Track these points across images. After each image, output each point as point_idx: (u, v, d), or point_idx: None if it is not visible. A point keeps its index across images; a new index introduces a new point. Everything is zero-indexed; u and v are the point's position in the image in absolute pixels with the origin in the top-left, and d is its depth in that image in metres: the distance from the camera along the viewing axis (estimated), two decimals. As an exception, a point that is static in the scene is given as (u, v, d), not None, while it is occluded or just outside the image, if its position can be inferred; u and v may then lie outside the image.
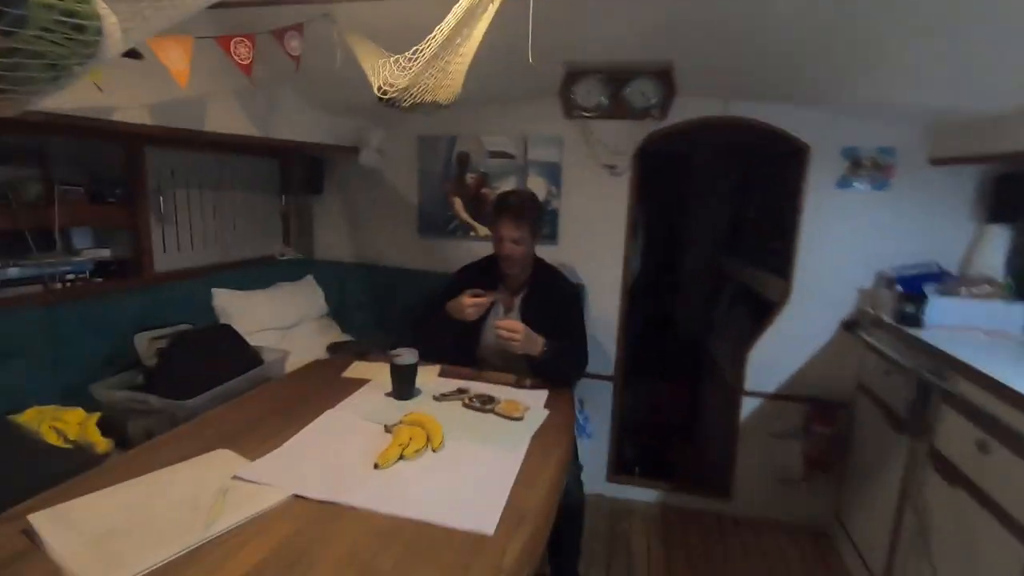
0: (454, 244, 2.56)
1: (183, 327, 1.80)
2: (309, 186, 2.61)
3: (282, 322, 2.28)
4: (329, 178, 2.68)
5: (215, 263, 2.25)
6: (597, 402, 2.43)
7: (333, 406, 1.52)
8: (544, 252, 2.16)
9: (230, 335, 1.82)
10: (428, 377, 1.77)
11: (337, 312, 2.62)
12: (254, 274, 2.36)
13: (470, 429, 1.44)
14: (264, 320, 2.21)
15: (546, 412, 1.60)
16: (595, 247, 2.36)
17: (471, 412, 1.56)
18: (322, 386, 1.68)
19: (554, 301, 1.91)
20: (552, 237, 2.39)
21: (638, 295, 2.40)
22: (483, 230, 2.48)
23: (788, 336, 2.22)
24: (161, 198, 1.96)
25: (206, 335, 1.76)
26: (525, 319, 1.82)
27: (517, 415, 1.53)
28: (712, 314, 3.45)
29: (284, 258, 2.63)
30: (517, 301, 1.95)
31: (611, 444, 2.47)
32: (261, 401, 1.56)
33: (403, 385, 1.63)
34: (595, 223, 2.35)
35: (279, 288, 2.41)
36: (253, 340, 2.12)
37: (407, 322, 2.49)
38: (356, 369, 1.81)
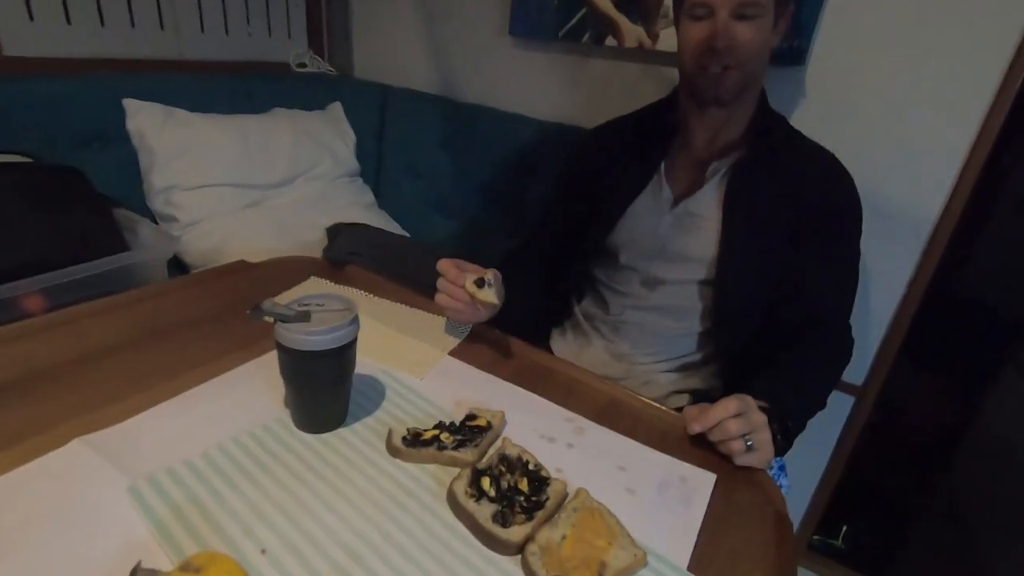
0: (571, 64, 1.30)
1: (2, 158, 0.92)
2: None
3: (261, 176, 1.33)
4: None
5: (148, 58, 1.31)
6: (810, 424, 1.20)
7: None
8: (770, 78, 0.91)
9: (67, 189, 0.91)
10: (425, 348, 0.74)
11: (376, 170, 1.61)
12: (234, 88, 1.39)
13: None
14: (226, 168, 1.27)
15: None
16: (908, 93, 0.96)
17: (449, 539, 0.50)
18: (181, 336, 0.74)
19: (805, 195, 0.80)
20: (796, 52, 1.02)
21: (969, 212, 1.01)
22: (633, 32, 1.16)
23: None
24: None
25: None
26: (735, 211, 0.81)
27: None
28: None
29: (303, 70, 1.62)
30: (718, 168, 0.83)
31: (815, 502, 1.28)
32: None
33: (306, 398, 0.60)
34: (925, 28, 0.92)
35: (271, 118, 1.42)
36: (192, 200, 1.22)
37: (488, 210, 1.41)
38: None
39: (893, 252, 1.02)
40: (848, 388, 1.13)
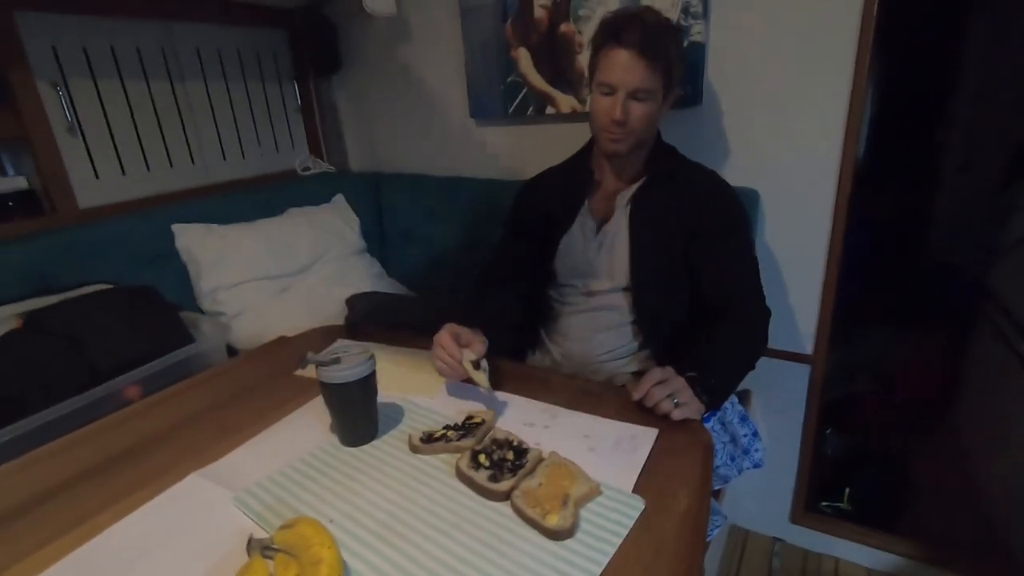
0: (522, 133, 1.57)
1: (92, 289, 1.19)
2: (322, 61, 1.80)
3: (286, 266, 1.60)
4: (347, 48, 1.82)
5: (186, 188, 1.61)
6: (778, 396, 1.37)
7: (208, 460, 0.78)
8: (677, 120, 1.15)
9: (144, 302, 1.17)
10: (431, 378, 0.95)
11: (380, 244, 1.87)
12: (254, 199, 1.67)
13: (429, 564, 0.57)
14: (257, 265, 1.54)
15: (637, 504, 0.67)
16: (782, 111, 1.20)
17: (459, 498, 0.71)
18: (247, 397, 0.97)
19: (692, 207, 1.04)
20: (693, 96, 1.27)
21: (858, 189, 1.22)
22: (566, 101, 1.44)
23: None
24: (63, 94, 1.31)
25: (91, 307, 1.12)
26: (640, 229, 1.05)
27: (558, 526, 0.64)
28: (1000, 227, 1.99)
29: (307, 173, 1.92)
30: (623, 197, 1.08)
31: (802, 465, 1.43)
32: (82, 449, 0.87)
33: (345, 420, 0.82)
34: (781, 62, 1.18)
35: (288, 217, 1.71)
36: (234, 296, 1.48)
37: (464, 261, 1.66)
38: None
39: (805, 235, 1.24)
40: (800, 358, 1.31)
